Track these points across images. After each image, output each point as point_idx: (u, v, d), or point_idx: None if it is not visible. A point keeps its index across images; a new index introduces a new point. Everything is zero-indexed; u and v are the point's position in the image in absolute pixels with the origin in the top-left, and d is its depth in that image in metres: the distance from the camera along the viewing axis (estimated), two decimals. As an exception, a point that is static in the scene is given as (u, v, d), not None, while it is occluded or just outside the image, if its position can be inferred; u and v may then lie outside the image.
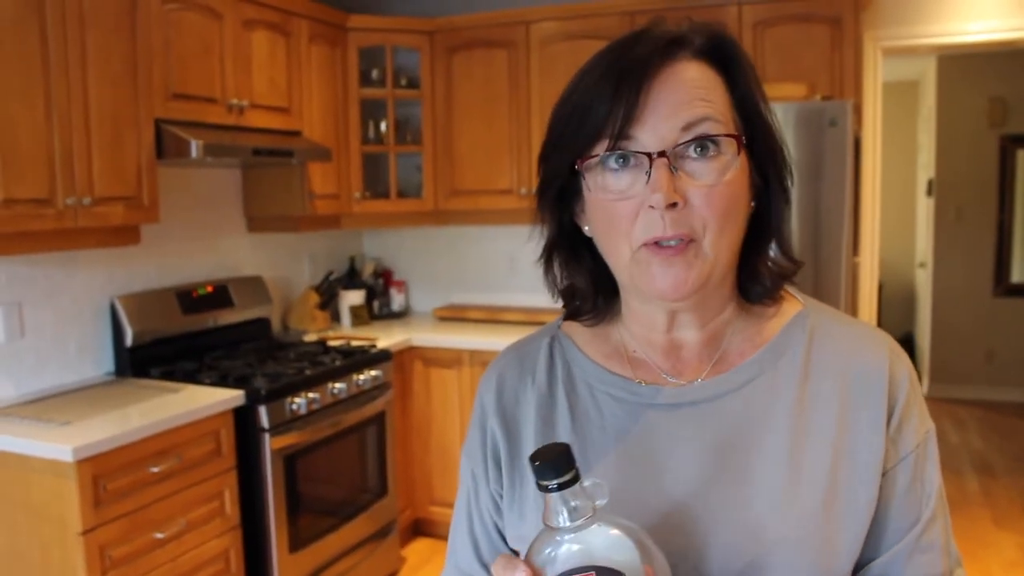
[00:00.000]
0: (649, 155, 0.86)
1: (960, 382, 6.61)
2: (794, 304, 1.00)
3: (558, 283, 1.01)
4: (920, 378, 6.98)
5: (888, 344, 0.96)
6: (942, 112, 6.43)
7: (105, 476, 2.43)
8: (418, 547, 4.06)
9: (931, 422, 0.96)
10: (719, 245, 0.88)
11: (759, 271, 0.96)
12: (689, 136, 0.86)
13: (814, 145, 3.27)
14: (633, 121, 0.86)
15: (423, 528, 4.17)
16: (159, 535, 2.60)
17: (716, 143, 0.87)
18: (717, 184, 0.87)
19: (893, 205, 7.15)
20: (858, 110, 3.43)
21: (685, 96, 0.86)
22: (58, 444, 2.36)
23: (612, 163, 0.88)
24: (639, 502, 0.90)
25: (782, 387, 0.93)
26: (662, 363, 0.97)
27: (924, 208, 6.97)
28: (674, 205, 0.85)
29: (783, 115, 3.28)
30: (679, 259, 0.87)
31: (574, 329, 1.05)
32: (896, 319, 7.53)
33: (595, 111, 0.87)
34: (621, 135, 0.86)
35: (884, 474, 0.90)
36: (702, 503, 0.89)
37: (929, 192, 6.65)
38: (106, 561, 2.45)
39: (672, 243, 0.87)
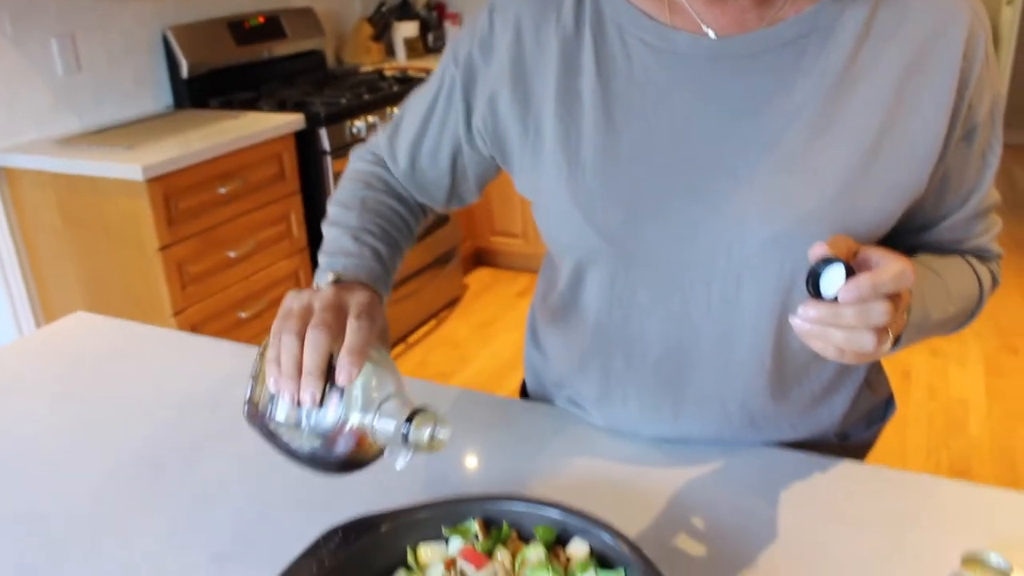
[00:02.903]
0: None
1: (1037, 125, 6.33)
2: None
3: None
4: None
5: (970, 5, 0.85)
6: None
7: (175, 195, 2.51)
8: (479, 275, 4.20)
9: (999, 85, 0.90)
10: None
11: None
12: None
13: None
14: None
15: (484, 258, 4.30)
16: (231, 254, 2.72)
17: None
18: None
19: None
20: None
21: None
22: (127, 164, 2.42)
23: None
24: (660, 162, 0.87)
25: (836, 46, 0.84)
26: (704, 11, 0.87)
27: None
28: None
29: None
30: None
31: None
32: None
33: None
34: None
35: (948, 147, 0.86)
36: (727, 168, 0.85)
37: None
38: (184, 276, 2.58)
39: None
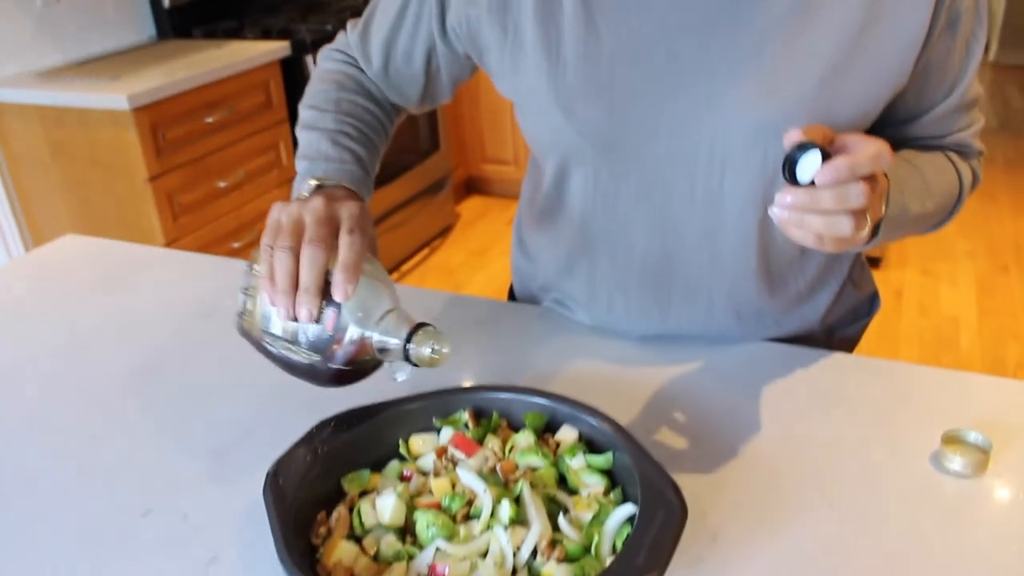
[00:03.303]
0: None
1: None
2: None
3: None
4: (990, 43, 6.72)
5: None
6: None
7: (162, 125, 2.49)
8: (472, 204, 4.20)
9: None
10: None
11: None
12: None
13: None
14: None
15: (476, 186, 4.29)
16: (221, 184, 2.70)
17: None
18: None
19: None
20: None
21: None
22: (113, 94, 2.39)
23: None
24: (642, 58, 0.86)
25: None
26: None
27: None
28: None
29: None
30: None
31: None
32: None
33: None
34: None
35: (932, 35, 0.85)
36: (709, 63, 0.85)
37: None
38: (175, 207, 2.57)
39: None
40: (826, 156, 0.67)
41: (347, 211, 0.78)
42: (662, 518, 0.65)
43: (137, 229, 2.56)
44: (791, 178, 0.68)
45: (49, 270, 1.33)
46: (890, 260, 3.51)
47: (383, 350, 0.73)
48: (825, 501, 0.77)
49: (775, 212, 0.70)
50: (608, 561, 0.67)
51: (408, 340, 0.71)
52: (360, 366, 0.75)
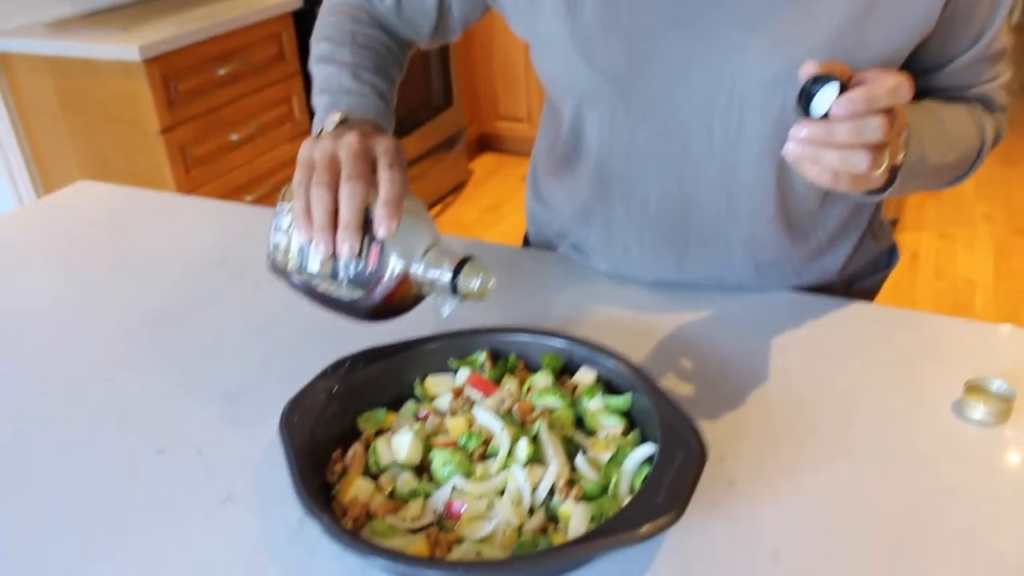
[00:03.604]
0: None
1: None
2: None
3: None
4: (1013, 7, 6.61)
5: None
6: None
7: (174, 77, 2.46)
8: (485, 161, 4.17)
9: None
10: None
11: None
12: None
13: None
14: None
15: (489, 143, 4.26)
16: (234, 137, 2.69)
17: None
18: None
19: None
20: None
21: None
22: (124, 45, 2.37)
23: None
24: (663, 12, 0.84)
25: None
26: None
27: None
28: None
29: None
30: None
31: None
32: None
33: None
34: None
35: None
36: (728, 7, 0.83)
37: None
38: (188, 160, 2.55)
39: None
40: (843, 90, 0.64)
41: (383, 146, 0.75)
42: (681, 459, 0.65)
43: (149, 181, 2.55)
44: (806, 111, 0.66)
45: (63, 215, 1.32)
46: (906, 222, 3.47)
47: (427, 284, 0.72)
48: (844, 449, 0.76)
49: (789, 148, 0.66)
50: (626, 501, 0.66)
51: (455, 274, 0.70)
52: (401, 301, 0.73)
